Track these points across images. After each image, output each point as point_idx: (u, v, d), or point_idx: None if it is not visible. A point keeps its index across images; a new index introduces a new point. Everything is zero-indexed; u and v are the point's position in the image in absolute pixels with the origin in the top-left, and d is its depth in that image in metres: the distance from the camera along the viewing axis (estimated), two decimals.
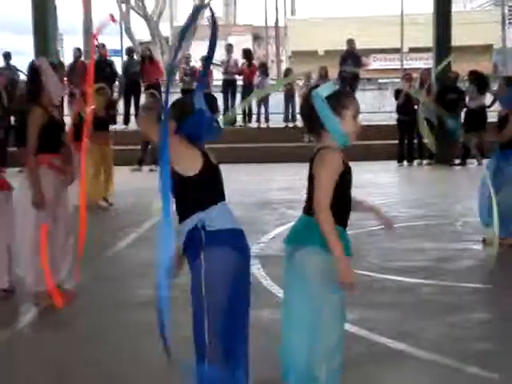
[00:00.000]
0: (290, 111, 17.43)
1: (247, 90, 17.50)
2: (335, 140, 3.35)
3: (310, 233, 3.33)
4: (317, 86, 3.41)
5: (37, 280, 5.38)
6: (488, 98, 15.17)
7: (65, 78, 17.77)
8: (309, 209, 3.38)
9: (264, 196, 10.94)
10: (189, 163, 3.42)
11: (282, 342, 3.52)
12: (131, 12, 31.90)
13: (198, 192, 3.43)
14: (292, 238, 3.46)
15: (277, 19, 38.19)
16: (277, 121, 17.84)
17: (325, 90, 3.31)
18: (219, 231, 3.43)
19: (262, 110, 17.64)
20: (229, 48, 18.06)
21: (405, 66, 28.72)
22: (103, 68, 16.96)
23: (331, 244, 3.25)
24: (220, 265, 3.41)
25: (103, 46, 17.70)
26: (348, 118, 3.35)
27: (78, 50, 17.84)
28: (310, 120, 3.36)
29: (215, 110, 3.52)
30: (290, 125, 17.42)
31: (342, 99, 3.33)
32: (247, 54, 17.92)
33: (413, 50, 32.90)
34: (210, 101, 3.51)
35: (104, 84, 10.94)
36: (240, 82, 17.84)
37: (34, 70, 5.61)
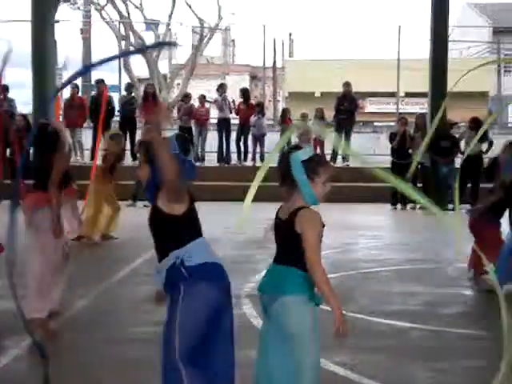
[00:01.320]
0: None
1: (244, 128, 17.60)
2: (305, 201, 3.59)
3: (287, 282, 3.51)
4: (296, 146, 3.67)
5: (38, 307, 5.50)
6: (483, 145, 15.29)
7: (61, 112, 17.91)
8: (283, 259, 3.59)
9: (257, 234, 10.90)
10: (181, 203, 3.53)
11: None
12: (131, 49, 32.16)
13: (180, 230, 3.52)
14: (267, 288, 3.60)
15: (274, 60, 38.54)
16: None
17: (303, 154, 3.57)
18: (199, 265, 3.50)
19: (258, 149, 17.71)
20: (220, 87, 18.16)
21: (400, 110, 28.96)
22: (101, 104, 17.04)
23: (326, 295, 3.47)
24: (199, 300, 3.47)
25: (101, 81, 17.82)
26: (319, 184, 3.60)
27: (76, 85, 17.94)
28: (285, 176, 3.61)
29: (188, 151, 3.61)
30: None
31: (316, 167, 3.57)
32: (245, 93, 18.04)
33: (409, 94, 33.19)
34: (183, 143, 3.61)
35: (119, 131, 11.10)
36: (236, 121, 17.94)
37: (53, 132, 6.01)
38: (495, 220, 7.50)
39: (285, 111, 18.85)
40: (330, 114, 17.88)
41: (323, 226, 3.58)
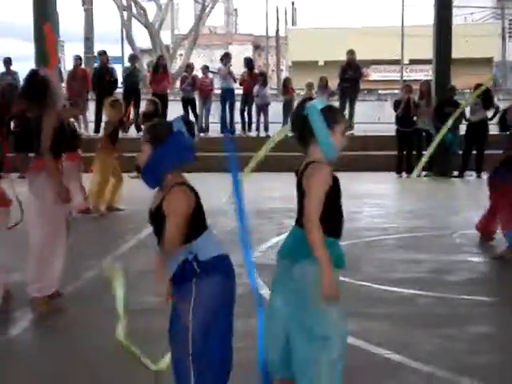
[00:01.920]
0: (289, 121, 17.43)
1: (247, 99, 17.53)
2: (324, 153, 3.37)
3: (304, 244, 3.32)
4: (310, 98, 3.48)
5: (39, 286, 5.48)
6: (489, 111, 15.22)
7: (64, 85, 17.84)
8: (299, 220, 3.42)
9: (262, 205, 10.94)
10: (188, 208, 3.35)
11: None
12: (132, 20, 31.95)
13: (188, 228, 3.37)
14: (288, 251, 3.46)
15: (277, 29, 38.31)
16: (275, 130, 17.85)
17: (320, 103, 3.36)
18: (211, 259, 3.44)
19: (262, 119, 17.66)
20: (224, 57, 18.02)
21: (404, 78, 28.80)
22: (103, 75, 17.00)
23: (317, 255, 3.26)
24: (213, 295, 3.44)
25: (104, 52, 17.74)
26: (338, 134, 3.38)
27: (79, 57, 17.87)
28: (302, 131, 3.41)
29: (193, 134, 3.47)
30: (290, 134, 17.42)
31: (335, 114, 3.38)
32: (249, 62, 17.93)
33: (413, 61, 32.97)
34: (188, 125, 3.48)
35: (117, 97, 11.09)
36: (240, 91, 17.86)
37: (41, 79, 5.64)
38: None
39: (286, 81, 18.75)
40: (333, 83, 17.79)
41: (336, 180, 3.37)
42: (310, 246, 3.29)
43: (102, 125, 12.90)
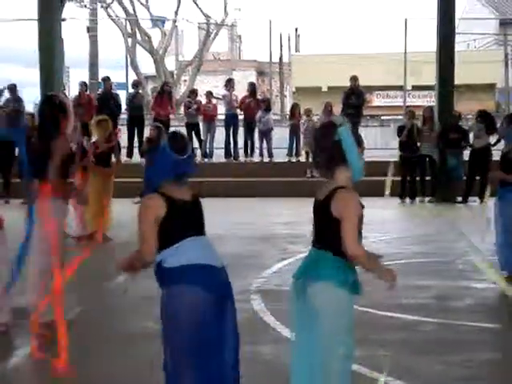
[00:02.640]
0: (294, 146, 17.49)
1: (250, 124, 17.57)
2: (354, 177, 3.43)
3: (322, 267, 3.37)
4: (332, 123, 3.46)
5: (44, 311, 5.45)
6: (492, 137, 15.24)
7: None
8: (317, 243, 3.45)
9: (266, 230, 10.93)
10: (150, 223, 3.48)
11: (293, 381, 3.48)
12: (137, 46, 32.18)
13: (163, 233, 3.44)
14: (303, 272, 3.46)
15: (281, 55, 38.52)
16: (279, 155, 17.87)
17: (347, 127, 3.41)
18: (176, 268, 3.40)
19: (265, 144, 17.70)
20: (228, 83, 18.13)
21: (407, 104, 28.87)
22: (108, 101, 17.08)
23: (372, 271, 3.50)
24: (177, 304, 3.37)
25: (108, 78, 17.84)
26: (360, 155, 3.47)
27: (84, 83, 17.97)
28: (332, 155, 3.41)
29: (180, 150, 3.55)
30: (293, 160, 17.47)
31: (359, 138, 3.45)
32: (252, 88, 17.99)
33: (416, 87, 33.09)
34: (175, 141, 3.58)
35: (105, 116, 11.04)
36: (242, 117, 17.92)
37: (60, 103, 5.78)
38: None
39: (294, 106, 18.78)
40: (337, 109, 17.85)
41: (363, 206, 3.44)
42: (323, 268, 3.36)
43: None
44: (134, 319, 6.06)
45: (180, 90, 34.86)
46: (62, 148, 5.66)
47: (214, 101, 18.40)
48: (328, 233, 3.41)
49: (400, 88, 33.41)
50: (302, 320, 3.41)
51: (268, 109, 17.80)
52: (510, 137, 7.69)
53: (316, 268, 3.39)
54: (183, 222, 3.49)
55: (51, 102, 5.81)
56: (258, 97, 18.62)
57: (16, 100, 16.98)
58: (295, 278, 3.50)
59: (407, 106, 23.17)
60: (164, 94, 17.11)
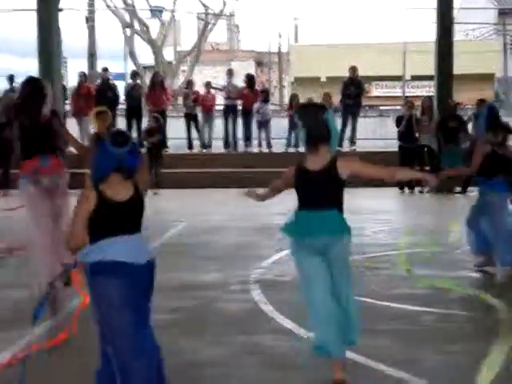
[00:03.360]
0: (293, 136, 17.49)
1: (247, 115, 17.57)
2: (332, 148, 4.20)
3: (343, 224, 4.20)
4: (314, 104, 4.61)
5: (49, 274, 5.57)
6: None
7: (69, 101, 17.92)
8: (327, 204, 4.16)
9: (263, 221, 10.93)
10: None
11: (334, 317, 4.13)
12: (135, 36, 32.10)
13: (90, 227, 3.62)
14: (327, 230, 4.15)
15: (280, 45, 38.47)
16: (277, 146, 17.88)
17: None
18: (94, 263, 3.59)
19: (263, 135, 17.69)
20: (229, 73, 18.14)
21: (406, 94, 28.86)
22: (106, 92, 17.07)
23: (415, 174, 5.38)
24: (96, 295, 3.64)
25: (106, 69, 17.82)
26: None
27: (83, 74, 17.95)
28: (326, 133, 4.15)
29: (121, 144, 3.62)
30: (292, 150, 17.47)
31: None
32: (250, 79, 17.99)
33: (415, 77, 33.06)
34: (116, 135, 3.70)
35: (104, 107, 11.00)
36: (240, 107, 17.92)
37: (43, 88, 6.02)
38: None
39: (293, 97, 18.76)
40: (336, 99, 17.84)
41: None
42: (346, 225, 4.21)
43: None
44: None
45: (179, 81, 34.80)
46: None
47: (212, 91, 18.38)
48: (337, 194, 4.18)
49: (399, 78, 33.43)
50: (323, 267, 4.12)
51: (266, 99, 17.79)
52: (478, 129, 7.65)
53: (339, 225, 4.18)
54: (109, 219, 3.62)
55: (36, 84, 6.01)
56: (257, 87, 18.60)
57: (14, 90, 16.93)
58: (322, 234, 4.14)
59: (406, 97, 23.20)
60: (156, 86, 17.08)
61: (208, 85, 18.25)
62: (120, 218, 3.64)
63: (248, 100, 17.48)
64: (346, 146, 17.31)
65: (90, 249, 3.61)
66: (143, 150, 15.74)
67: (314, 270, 4.13)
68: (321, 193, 4.13)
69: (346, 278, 4.24)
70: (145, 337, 3.64)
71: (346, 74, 17.55)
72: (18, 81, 17.07)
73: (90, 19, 29.05)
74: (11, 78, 17.17)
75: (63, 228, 5.77)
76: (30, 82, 6.15)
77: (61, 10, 17.77)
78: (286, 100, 24.17)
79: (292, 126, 17.52)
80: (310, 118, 4.15)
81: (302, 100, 18.13)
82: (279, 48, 38.30)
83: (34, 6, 16.95)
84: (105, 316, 3.61)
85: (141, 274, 3.65)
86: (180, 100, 22.98)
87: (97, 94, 17.21)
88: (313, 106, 4.58)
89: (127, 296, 3.58)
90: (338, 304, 4.15)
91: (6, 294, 6.58)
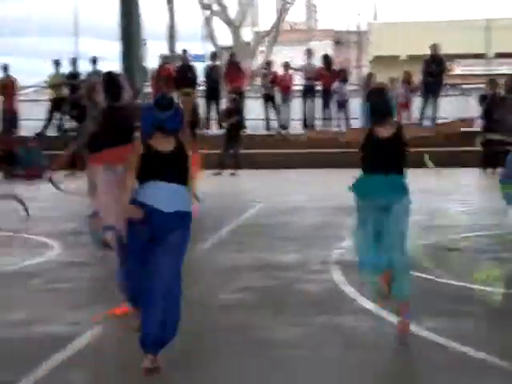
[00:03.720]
0: None
1: (326, 95, 17.45)
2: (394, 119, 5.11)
3: (405, 187, 4.95)
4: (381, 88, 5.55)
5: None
6: None
7: (148, 83, 18.16)
8: (393, 169, 4.91)
9: (342, 201, 10.84)
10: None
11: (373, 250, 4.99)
12: (214, 17, 32.24)
13: (140, 173, 4.33)
14: (390, 192, 4.91)
15: (359, 24, 37.98)
16: (357, 126, 17.68)
17: None
18: (135, 200, 4.30)
19: (342, 115, 17.53)
20: (308, 53, 18.03)
21: (491, 72, 28.08)
22: (185, 73, 17.23)
23: None
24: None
25: (185, 51, 17.97)
26: None
27: (164, 56, 18.16)
28: (390, 108, 5.02)
29: (163, 108, 4.30)
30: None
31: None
32: (327, 59, 17.85)
33: (499, 55, 32.14)
34: (160, 99, 4.40)
35: (189, 89, 11.12)
36: (319, 88, 17.79)
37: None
38: None
39: (369, 76, 18.52)
40: (416, 78, 17.52)
41: None
42: (406, 189, 4.94)
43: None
44: (211, 291, 6.13)
45: (257, 61, 34.83)
46: None
47: (290, 72, 18.31)
48: (402, 159, 4.96)
49: (482, 56, 32.55)
50: (378, 219, 4.93)
51: (345, 79, 17.61)
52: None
53: (402, 188, 4.95)
54: (152, 165, 4.29)
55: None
56: (334, 67, 18.43)
57: (97, 73, 17.26)
58: (378, 195, 4.91)
59: (490, 75, 22.57)
60: (232, 66, 17.13)
61: (286, 65, 18.19)
62: (161, 165, 4.29)
63: (326, 80, 17.37)
64: (427, 125, 16.98)
65: (136, 189, 4.34)
66: (222, 131, 15.87)
67: (370, 217, 4.99)
68: (389, 158, 4.92)
69: (401, 235, 4.91)
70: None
71: (427, 52, 17.20)
72: (101, 63, 17.48)
73: (170, 1, 29.30)
74: (94, 61, 17.48)
75: None
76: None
77: None
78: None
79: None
80: (378, 98, 5.05)
81: (379, 79, 17.89)
82: (358, 27, 37.83)
83: None
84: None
85: (163, 220, 4.26)
86: (258, 81, 22.98)
87: (177, 75, 17.39)
88: (378, 89, 5.59)
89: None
90: (386, 254, 4.89)
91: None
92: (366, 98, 5.29)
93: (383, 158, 4.91)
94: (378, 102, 5.02)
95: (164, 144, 4.32)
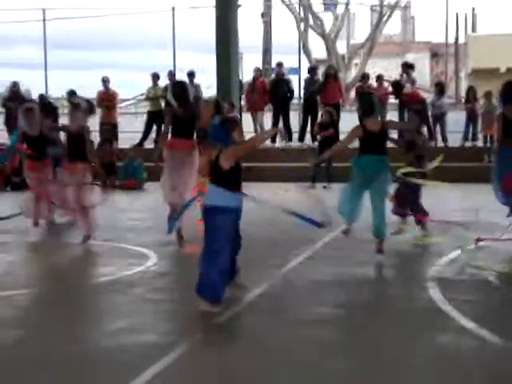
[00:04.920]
0: (471, 130, 16.89)
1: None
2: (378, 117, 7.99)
3: (387, 165, 7.59)
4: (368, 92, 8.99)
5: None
6: None
7: (244, 97, 18.31)
8: (380, 151, 7.55)
9: (442, 217, 10.60)
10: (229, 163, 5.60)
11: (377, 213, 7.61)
12: (309, 30, 32.31)
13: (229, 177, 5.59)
14: (375, 169, 7.51)
15: (457, 36, 37.27)
16: (454, 140, 17.29)
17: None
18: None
19: (438, 128, 17.17)
20: (405, 65, 17.72)
21: None
22: (281, 86, 17.29)
23: None
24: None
25: (280, 64, 18.04)
26: None
27: (259, 69, 18.28)
28: (375, 109, 7.58)
29: (224, 124, 5.72)
30: (469, 144, 16.88)
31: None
32: (397, 86, 17.25)
33: None
34: (222, 123, 5.74)
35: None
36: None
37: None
38: None
39: (469, 89, 18.08)
40: None
41: None
42: (388, 167, 7.60)
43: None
44: (306, 305, 6.08)
45: (351, 74, 34.67)
46: None
47: (385, 84, 18.11)
48: (385, 145, 7.63)
49: None
50: (366, 184, 7.55)
51: (441, 93, 17.27)
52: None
53: (385, 165, 7.55)
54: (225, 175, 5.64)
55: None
56: (432, 80, 18.05)
57: (193, 86, 17.53)
58: (368, 171, 7.49)
59: None
60: (329, 79, 17.02)
61: (379, 78, 18.00)
62: (231, 177, 5.59)
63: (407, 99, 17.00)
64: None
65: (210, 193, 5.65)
66: (315, 144, 15.79)
67: (359, 182, 7.56)
68: (378, 144, 7.48)
69: (382, 198, 7.59)
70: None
71: None
72: (198, 77, 17.74)
73: (265, 14, 29.57)
74: (191, 74, 17.74)
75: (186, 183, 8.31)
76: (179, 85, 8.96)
77: (239, 5, 18.18)
78: (463, 92, 23.40)
79: (469, 120, 16.92)
80: (365, 100, 7.69)
81: (480, 92, 17.47)
82: (456, 38, 37.12)
83: (213, 2, 17.51)
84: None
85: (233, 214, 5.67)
86: (353, 93, 22.83)
87: (271, 88, 17.47)
88: (366, 93, 8.42)
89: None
90: (373, 205, 7.61)
91: None
92: (357, 99, 8.01)
93: (374, 144, 7.43)
94: (366, 103, 7.58)
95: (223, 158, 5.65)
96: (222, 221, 5.50)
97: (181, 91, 8.56)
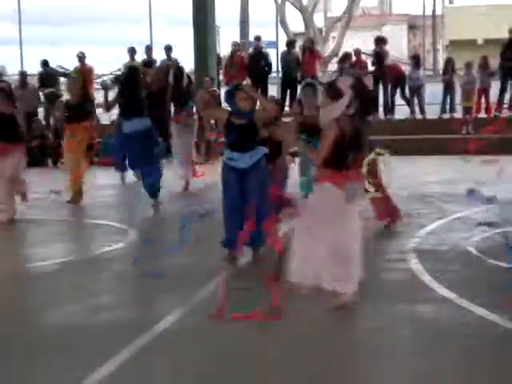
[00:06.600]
0: (448, 102, 16.93)
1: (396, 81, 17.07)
2: None
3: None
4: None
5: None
6: None
7: (222, 71, 18.19)
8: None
9: (420, 189, 10.69)
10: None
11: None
12: (286, 3, 32.10)
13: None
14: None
15: (434, 7, 37.20)
16: (432, 112, 17.33)
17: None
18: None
19: (416, 101, 17.18)
20: (378, 40, 17.63)
21: None
22: (258, 60, 17.18)
23: None
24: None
25: (258, 38, 17.90)
26: None
27: (237, 43, 18.13)
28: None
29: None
30: (447, 116, 16.92)
31: None
32: (377, 56, 17.25)
33: None
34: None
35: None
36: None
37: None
38: None
39: (448, 61, 18.06)
40: (494, 62, 17.08)
41: None
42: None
43: None
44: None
45: (329, 47, 34.56)
46: None
47: (363, 57, 18.03)
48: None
49: None
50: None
51: (417, 65, 17.24)
52: None
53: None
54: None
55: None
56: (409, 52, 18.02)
57: (170, 59, 17.38)
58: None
59: None
60: (306, 52, 16.94)
61: (357, 52, 17.90)
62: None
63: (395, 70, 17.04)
64: (505, 113, 16.54)
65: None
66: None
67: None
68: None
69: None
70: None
71: (506, 35, 16.74)
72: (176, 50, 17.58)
73: None
74: (168, 48, 17.55)
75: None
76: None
77: None
78: (441, 65, 23.42)
79: (446, 91, 16.94)
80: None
81: (457, 64, 17.50)
82: (433, 11, 37.07)
83: None
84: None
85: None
86: (330, 67, 22.77)
87: (249, 62, 17.35)
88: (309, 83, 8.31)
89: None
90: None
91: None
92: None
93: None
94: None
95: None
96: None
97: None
